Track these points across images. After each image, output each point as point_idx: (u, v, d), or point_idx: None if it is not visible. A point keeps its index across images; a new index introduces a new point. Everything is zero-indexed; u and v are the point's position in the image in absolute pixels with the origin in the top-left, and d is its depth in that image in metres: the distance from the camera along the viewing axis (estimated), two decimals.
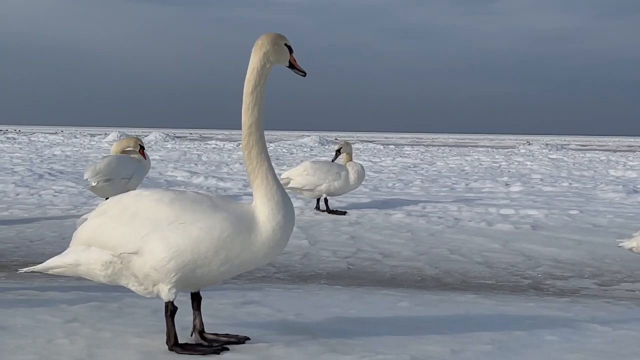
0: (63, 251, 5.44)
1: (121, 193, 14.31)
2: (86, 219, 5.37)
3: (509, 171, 29.52)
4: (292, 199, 14.12)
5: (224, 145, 53.91)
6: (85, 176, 13.63)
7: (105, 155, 15.87)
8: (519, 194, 19.21)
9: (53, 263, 5.32)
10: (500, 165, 33.83)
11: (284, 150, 47.28)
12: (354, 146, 57.04)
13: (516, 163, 36.32)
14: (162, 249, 4.97)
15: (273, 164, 5.25)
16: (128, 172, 13.77)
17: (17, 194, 16.31)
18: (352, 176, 14.45)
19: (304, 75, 5.36)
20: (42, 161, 27.81)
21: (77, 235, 5.34)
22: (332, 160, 15.02)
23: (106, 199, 13.98)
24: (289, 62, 5.31)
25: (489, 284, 9.25)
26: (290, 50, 5.30)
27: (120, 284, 5.19)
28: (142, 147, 14.38)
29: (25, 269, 5.50)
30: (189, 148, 46.88)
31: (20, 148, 41.29)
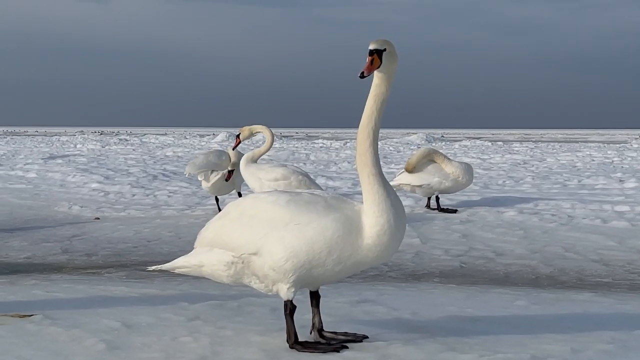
0: (179, 250, 5.61)
1: (228, 188, 14.58)
2: None
3: (622, 167, 28.84)
4: (402, 198, 14.11)
5: (330, 144, 54.14)
6: (186, 172, 14.25)
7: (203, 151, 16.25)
8: (634, 190, 18.76)
9: (179, 263, 5.50)
10: (612, 161, 33.08)
11: (390, 148, 47.19)
12: (461, 143, 56.54)
13: (629, 158, 35.43)
14: (279, 250, 5.07)
15: (381, 163, 5.21)
16: (224, 164, 14.16)
17: (134, 195, 16.77)
18: (460, 176, 14.28)
19: (360, 77, 5.01)
20: (155, 162, 28.44)
21: (200, 238, 5.51)
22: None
23: (216, 198, 14.41)
24: None
25: (605, 282, 9.09)
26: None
27: (243, 283, 5.32)
28: (238, 137, 13.87)
29: (153, 267, 5.70)
30: (297, 147, 47.26)
31: (134, 149, 42.31)
